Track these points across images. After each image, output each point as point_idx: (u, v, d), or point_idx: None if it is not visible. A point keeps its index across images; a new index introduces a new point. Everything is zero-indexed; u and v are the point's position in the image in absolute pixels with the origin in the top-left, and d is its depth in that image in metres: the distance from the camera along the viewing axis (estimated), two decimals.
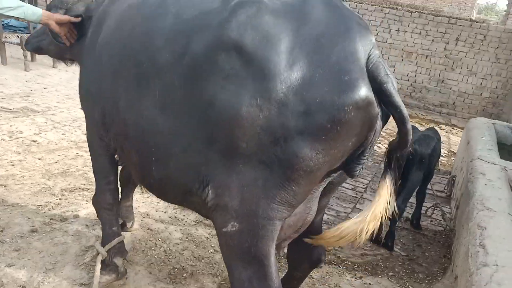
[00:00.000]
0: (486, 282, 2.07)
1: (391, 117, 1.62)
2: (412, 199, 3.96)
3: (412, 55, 9.68)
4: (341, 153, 1.58)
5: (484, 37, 9.11)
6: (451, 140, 7.74)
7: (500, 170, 3.61)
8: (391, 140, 1.76)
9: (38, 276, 2.48)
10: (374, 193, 4.67)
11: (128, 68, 1.84)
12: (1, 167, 3.84)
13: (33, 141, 4.56)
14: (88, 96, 2.25)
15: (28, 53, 7.37)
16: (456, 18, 9.37)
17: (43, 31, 2.74)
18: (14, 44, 7.48)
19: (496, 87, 9.27)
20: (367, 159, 1.68)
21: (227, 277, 2.00)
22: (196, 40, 1.59)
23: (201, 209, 1.82)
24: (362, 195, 4.57)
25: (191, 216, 3.47)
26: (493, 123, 5.37)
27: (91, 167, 2.52)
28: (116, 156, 2.32)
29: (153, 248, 2.92)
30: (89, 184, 3.75)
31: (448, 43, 9.37)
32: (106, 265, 2.48)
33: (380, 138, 6.72)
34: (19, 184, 3.59)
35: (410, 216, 4.08)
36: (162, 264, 2.77)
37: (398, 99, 1.54)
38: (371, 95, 1.47)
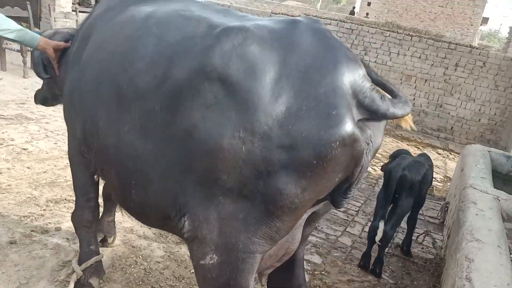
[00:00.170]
0: None
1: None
2: (404, 225, 3.90)
3: (411, 78, 9.71)
4: (327, 188, 1.54)
5: (484, 63, 9.15)
6: (447, 165, 7.68)
7: (493, 200, 3.55)
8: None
9: None
10: (366, 216, 4.65)
11: (108, 89, 1.79)
12: None
13: (24, 149, 4.52)
14: (71, 109, 2.19)
15: (28, 60, 7.39)
16: (456, 44, 9.42)
17: (44, 84, 2.80)
18: (14, 51, 7.51)
19: (495, 114, 9.26)
20: (353, 193, 1.63)
21: None
22: (178, 65, 1.55)
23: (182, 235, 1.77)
24: (353, 218, 4.49)
25: None
26: (488, 151, 5.32)
27: None
28: (95, 176, 2.25)
29: (132, 266, 2.84)
30: None
31: (447, 68, 9.41)
32: (81, 285, 2.41)
33: (375, 160, 6.68)
34: (4, 193, 3.53)
35: (400, 242, 4.01)
36: (140, 283, 2.69)
37: (403, 110, 1.52)
38: (357, 132, 1.41)
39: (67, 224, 3.20)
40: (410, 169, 3.37)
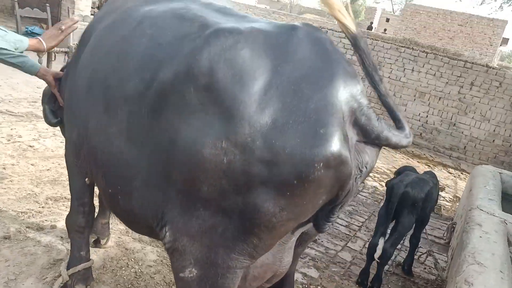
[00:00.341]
0: None
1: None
2: (407, 243, 3.78)
3: (425, 95, 9.57)
4: (309, 211, 1.44)
5: (500, 84, 8.96)
6: (458, 185, 7.50)
7: (499, 223, 3.42)
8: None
9: None
10: (369, 232, 4.53)
11: (99, 91, 1.75)
12: None
13: (30, 146, 4.57)
14: (69, 111, 2.18)
15: (44, 59, 7.52)
16: (472, 63, 9.27)
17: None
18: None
19: (510, 136, 9.03)
20: (337, 217, 1.54)
21: None
22: (165, 67, 1.48)
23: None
24: (355, 233, 4.39)
25: None
26: (499, 172, 5.17)
27: None
28: (86, 179, 2.19)
29: (123, 268, 2.81)
30: None
31: (462, 86, 9.25)
32: None
33: (383, 176, 6.56)
34: (5, 188, 3.56)
35: (402, 261, 3.89)
36: (129, 286, 2.65)
37: (398, 139, 1.44)
38: (345, 154, 1.31)
39: (63, 223, 3.19)
40: (413, 186, 3.28)
